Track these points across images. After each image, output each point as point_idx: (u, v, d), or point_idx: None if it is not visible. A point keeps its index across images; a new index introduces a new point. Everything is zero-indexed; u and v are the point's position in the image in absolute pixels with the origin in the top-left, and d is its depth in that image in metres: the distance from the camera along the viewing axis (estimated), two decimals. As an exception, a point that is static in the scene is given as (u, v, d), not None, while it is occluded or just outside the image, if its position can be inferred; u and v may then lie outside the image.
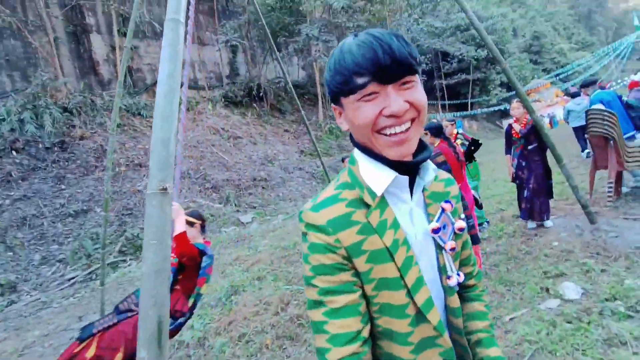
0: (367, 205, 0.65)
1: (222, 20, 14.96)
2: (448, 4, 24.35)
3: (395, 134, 0.61)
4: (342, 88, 0.62)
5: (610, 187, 4.14)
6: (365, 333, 0.61)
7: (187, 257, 2.13)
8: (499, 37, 29.49)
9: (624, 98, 4.94)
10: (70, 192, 8.42)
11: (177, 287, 2.20)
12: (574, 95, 8.01)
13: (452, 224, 0.74)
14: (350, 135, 0.71)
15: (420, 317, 0.66)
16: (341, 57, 0.61)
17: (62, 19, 11.83)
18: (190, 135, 11.87)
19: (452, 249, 0.71)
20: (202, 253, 2.23)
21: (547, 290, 2.78)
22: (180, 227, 2.10)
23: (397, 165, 0.65)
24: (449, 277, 0.70)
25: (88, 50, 12.29)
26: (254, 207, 9.77)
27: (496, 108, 27.21)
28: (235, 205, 9.63)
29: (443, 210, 0.73)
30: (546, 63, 43.42)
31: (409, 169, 0.67)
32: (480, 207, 3.21)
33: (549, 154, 3.85)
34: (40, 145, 8.94)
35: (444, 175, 0.82)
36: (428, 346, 0.67)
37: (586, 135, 4.40)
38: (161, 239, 1.23)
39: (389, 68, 0.58)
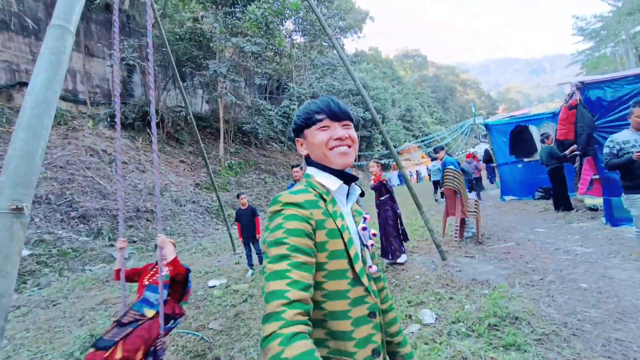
0: (324, 199, 0.90)
1: (121, 35, 13.82)
2: (345, 70, 28.03)
3: (340, 150, 0.93)
4: (307, 122, 0.94)
5: (456, 231, 5.28)
6: (312, 290, 0.75)
7: (180, 276, 2.74)
8: (381, 104, 35.15)
9: (462, 165, 6.54)
10: None
11: (169, 298, 2.73)
12: (434, 159, 10.19)
13: (368, 230, 1.03)
14: (306, 158, 0.98)
15: (356, 280, 0.88)
16: (308, 105, 0.96)
17: None
18: (58, 153, 10.07)
19: (372, 245, 1.00)
20: (188, 270, 2.87)
21: (410, 316, 3.29)
22: (171, 254, 2.67)
23: (340, 177, 0.94)
24: (370, 267, 0.96)
25: None
26: (134, 242, 8.62)
27: (381, 162, 31.81)
28: (108, 239, 8.33)
29: (365, 219, 1.05)
30: (415, 130, 53.54)
31: (347, 181, 0.96)
32: None
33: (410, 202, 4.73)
34: None
35: (356, 206, 1.14)
36: (360, 302, 0.88)
37: (440, 189, 5.62)
38: (4, 270, 1.03)
39: (338, 113, 0.94)
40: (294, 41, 21.84)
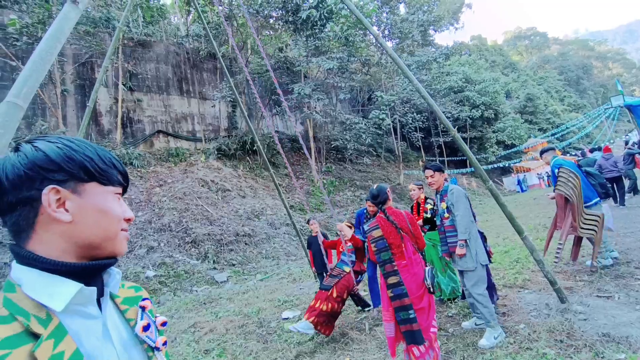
0: (35, 337, 0.52)
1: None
2: (439, 67, 25.91)
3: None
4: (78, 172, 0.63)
5: (560, 248, 3.87)
6: None
7: (359, 246, 4.23)
8: (491, 98, 30.94)
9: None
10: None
11: (356, 260, 4.25)
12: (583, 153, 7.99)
13: (154, 320, 0.73)
14: (12, 248, 0.60)
15: None
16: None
17: (72, 74, 12.65)
18: (179, 186, 11.91)
19: (164, 343, 0.72)
20: (363, 242, 4.14)
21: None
22: (349, 233, 4.01)
23: (78, 274, 0.59)
24: None
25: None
26: (233, 265, 9.39)
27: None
28: (213, 262, 9.27)
29: (143, 308, 0.72)
30: (541, 123, 44.93)
31: (94, 278, 0.63)
32: (431, 292, 2.77)
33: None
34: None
35: (128, 283, 0.79)
36: None
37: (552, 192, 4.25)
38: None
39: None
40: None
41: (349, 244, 4.16)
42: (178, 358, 3.87)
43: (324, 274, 5.38)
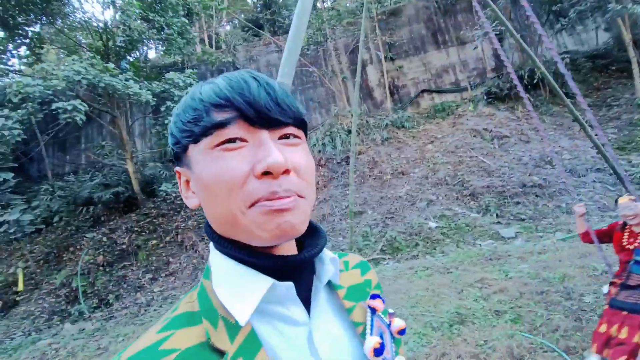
0: (221, 353, 0.39)
1: (483, 10, 13.70)
2: None
3: (274, 206, 0.40)
4: (191, 129, 0.43)
5: None
6: None
7: None
8: None
9: None
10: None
11: None
12: None
13: (388, 327, 0.50)
14: (207, 225, 0.48)
15: None
16: (197, 89, 0.45)
17: (347, 62, 15.28)
18: (449, 140, 11.69)
19: None
20: None
21: None
22: None
23: (274, 268, 0.42)
24: None
25: (365, 80, 15.06)
26: (522, 220, 8.15)
27: None
28: (496, 216, 8.47)
29: (374, 311, 0.50)
30: None
31: (293, 271, 0.44)
32: None
33: None
34: (334, 161, 11.94)
35: (353, 258, 0.59)
36: None
37: None
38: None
39: (266, 106, 0.41)
40: None
41: None
42: (467, 312, 3.77)
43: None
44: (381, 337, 0.48)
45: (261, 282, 0.41)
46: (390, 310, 0.53)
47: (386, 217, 9.53)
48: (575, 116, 4.74)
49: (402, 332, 0.52)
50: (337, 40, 15.34)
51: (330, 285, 0.51)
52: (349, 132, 12.69)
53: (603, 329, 2.33)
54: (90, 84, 8.60)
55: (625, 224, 2.54)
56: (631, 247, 2.41)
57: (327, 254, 0.48)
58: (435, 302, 4.48)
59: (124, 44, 10.98)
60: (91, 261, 9.79)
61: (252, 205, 0.40)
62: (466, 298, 4.26)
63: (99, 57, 9.58)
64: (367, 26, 12.82)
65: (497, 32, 12.96)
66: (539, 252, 5.87)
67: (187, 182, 0.47)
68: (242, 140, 0.41)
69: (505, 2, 11.93)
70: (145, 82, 10.50)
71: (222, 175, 0.40)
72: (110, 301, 8.76)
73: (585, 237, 2.77)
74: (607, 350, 2.24)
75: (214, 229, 0.46)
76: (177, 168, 0.48)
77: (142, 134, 15.00)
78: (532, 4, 12.39)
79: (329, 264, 0.47)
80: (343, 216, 10.03)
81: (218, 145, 0.41)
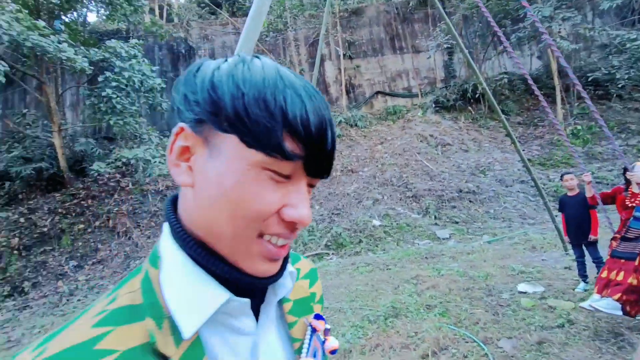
0: (164, 359, 0.36)
1: (439, 22, 14.52)
2: None
3: (277, 245, 0.40)
4: (248, 128, 0.35)
5: None
6: None
7: None
8: None
9: None
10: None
11: None
12: None
13: (322, 344, 0.51)
14: (170, 204, 0.43)
15: None
16: (276, 79, 0.37)
17: (305, 55, 15.21)
18: (398, 143, 12.24)
19: None
20: None
21: None
22: None
23: (237, 282, 0.40)
24: None
25: (322, 75, 15.13)
26: (456, 222, 8.85)
27: None
28: (434, 217, 9.09)
29: (314, 330, 0.50)
30: None
31: (253, 289, 0.43)
32: None
33: None
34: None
35: (304, 265, 0.58)
36: None
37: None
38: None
39: (328, 159, 0.40)
40: None
41: None
42: (401, 306, 4.00)
43: (583, 246, 4.02)
44: (314, 355, 0.48)
45: (217, 295, 0.38)
46: (328, 327, 0.53)
47: (333, 214, 9.72)
48: (508, 131, 5.27)
49: (333, 352, 0.52)
50: (298, 31, 15.16)
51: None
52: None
53: (604, 274, 2.89)
54: (13, 41, 7.47)
55: (627, 187, 3.13)
56: (632, 204, 2.97)
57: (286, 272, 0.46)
58: (373, 296, 4.69)
59: (59, 1, 9.69)
60: (4, 243, 8.61)
61: (260, 236, 0.39)
62: (402, 293, 4.53)
63: (26, 11, 8.34)
64: (328, 21, 12.84)
65: (449, 46, 13.84)
66: (468, 253, 6.43)
67: (187, 149, 0.39)
68: (289, 177, 0.38)
69: (457, 18, 12.74)
70: (82, 47, 9.41)
71: (256, 202, 0.37)
72: (26, 289, 7.80)
73: (592, 200, 3.45)
74: (606, 291, 2.78)
75: (184, 220, 0.41)
76: (182, 124, 0.38)
77: (74, 104, 13.43)
78: (480, 24, 13.43)
79: (287, 277, 0.46)
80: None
81: (267, 169, 0.36)
